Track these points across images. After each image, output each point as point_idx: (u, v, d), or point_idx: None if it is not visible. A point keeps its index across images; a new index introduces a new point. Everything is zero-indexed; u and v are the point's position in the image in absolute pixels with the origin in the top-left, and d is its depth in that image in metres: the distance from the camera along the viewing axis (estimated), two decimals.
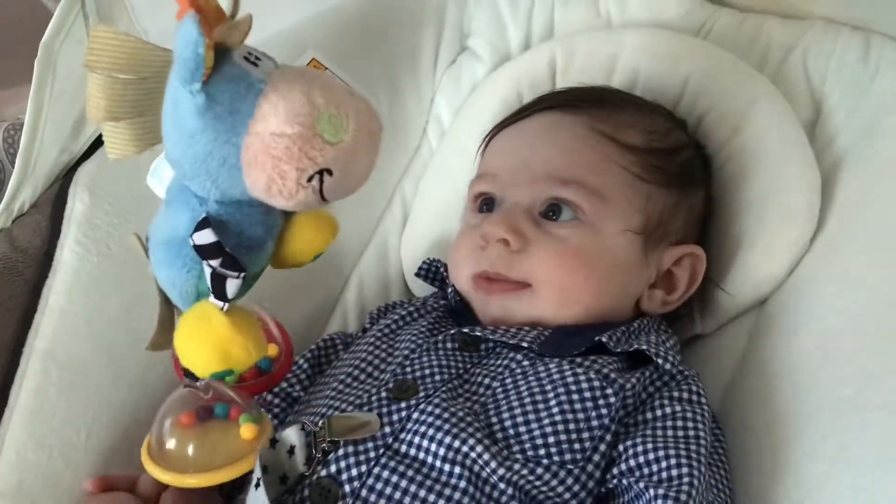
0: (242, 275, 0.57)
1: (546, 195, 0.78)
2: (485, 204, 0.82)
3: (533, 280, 0.76)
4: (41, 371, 0.73)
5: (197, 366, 0.59)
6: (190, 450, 0.61)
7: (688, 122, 0.88)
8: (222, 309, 0.58)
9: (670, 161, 0.82)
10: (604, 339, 0.71)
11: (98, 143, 0.86)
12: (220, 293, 0.57)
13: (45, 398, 0.72)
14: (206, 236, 0.56)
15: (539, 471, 0.63)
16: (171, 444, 0.62)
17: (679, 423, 0.67)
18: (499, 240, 0.76)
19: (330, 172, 0.54)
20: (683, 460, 0.64)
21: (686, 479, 0.63)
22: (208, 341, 0.58)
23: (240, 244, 0.58)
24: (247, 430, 0.61)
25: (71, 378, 0.74)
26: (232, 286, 0.57)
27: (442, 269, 0.86)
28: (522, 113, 0.87)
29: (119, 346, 0.77)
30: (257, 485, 0.59)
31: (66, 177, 0.83)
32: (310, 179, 0.54)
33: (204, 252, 0.56)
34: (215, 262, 0.56)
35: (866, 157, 0.82)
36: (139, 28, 0.86)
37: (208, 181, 0.56)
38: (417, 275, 0.89)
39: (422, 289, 0.93)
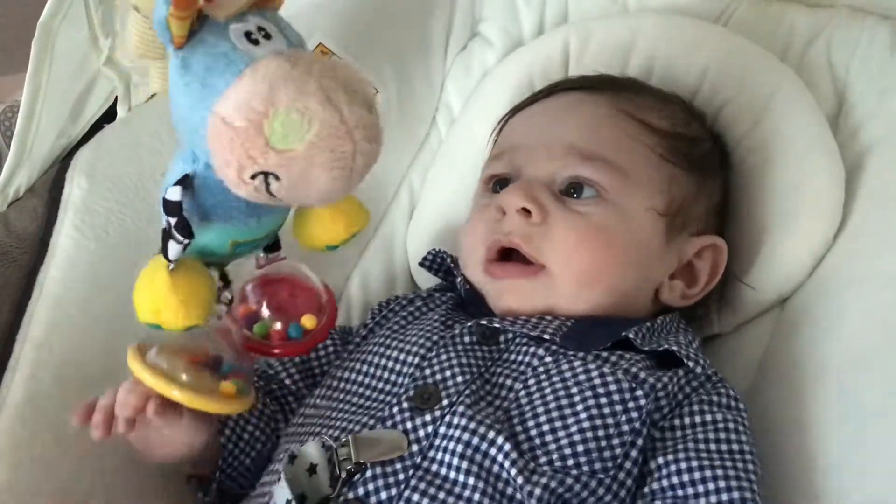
0: (186, 242, 0.56)
1: (567, 173, 0.75)
2: (498, 184, 0.79)
3: (550, 261, 0.72)
4: (35, 360, 0.72)
5: (136, 309, 0.59)
6: (183, 375, 0.61)
7: (707, 113, 0.86)
8: (169, 267, 0.57)
9: (692, 147, 0.80)
10: (630, 336, 0.69)
11: (97, 126, 0.84)
12: (164, 251, 0.57)
13: (39, 387, 0.71)
14: (175, 193, 0.55)
15: (569, 481, 0.61)
16: (166, 363, 0.62)
17: (722, 436, 0.64)
18: (518, 209, 0.72)
19: (276, 177, 0.51)
20: (733, 482, 0.61)
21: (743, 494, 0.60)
22: (146, 292, 0.58)
23: (215, 209, 0.57)
24: (226, 387, 0.62)
25: (65, 367, 0.72)
26: (174, 249, 0.56)
27: (448, 260, 0.83)
28: (539, 95, 0.85)
29: (115, 336, 0.74)
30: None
31: (63, 161, 0.81)
32: (253, 177, 0.51)
33: (166, 207, 0.56)
34: (172, 220, 0.56)
35: (891, 149, 0.79)
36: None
37: (189, 143, 0.55)
38: (422, 265, 0.85)
39: (428, 281, 0.90)
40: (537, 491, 0.59)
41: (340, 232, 0.66)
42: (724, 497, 0.60)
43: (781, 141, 0.82)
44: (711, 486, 0.60)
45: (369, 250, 0.94)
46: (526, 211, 0.72)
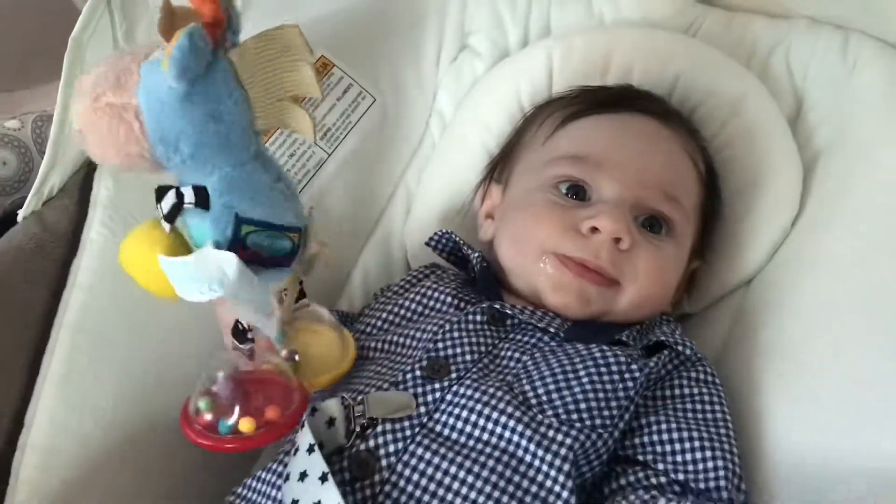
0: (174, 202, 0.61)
1: (653, 205, 0.81)
2: (572, 189, 0.83)
3: (625, 280, 0.79)
4: (71, 342, 0.78)
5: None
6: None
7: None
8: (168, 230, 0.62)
9: (711, 190, 0.89)
10: (623, 338, 0.77)
11: None
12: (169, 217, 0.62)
13: (75, 367, 0.78)
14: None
15: (573, 433, 0.68)
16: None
17: (699, 407, 0.73)
18: (615, 238, 0.78)
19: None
20: (715, 444, 0.69)
21: (721, 472, 0.68)
22: (128, 241, 0.65)
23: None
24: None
25: (97, 349, 0.79)
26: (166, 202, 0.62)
27: (458, 240, 0.89)
28: (604, 104, 0.89)
29: (141, 321, 0.82)
30: (310, 450, 0.64)
31: (90, 164, 0.88)
32: None
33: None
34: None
35: (843, 148, 0.87)
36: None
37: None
38: (428, 244, 0.91)
39: None
40: (546, 455, 0.66)
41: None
42: (698, 455, 0.68)
43: (746, 141, 0.91)
44: (688, 445, 0.69)
45: (370, 244, 1.01)
46: (618, 239, 0.78)
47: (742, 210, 0.89)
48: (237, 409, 0.65)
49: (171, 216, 0.62)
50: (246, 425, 0.64)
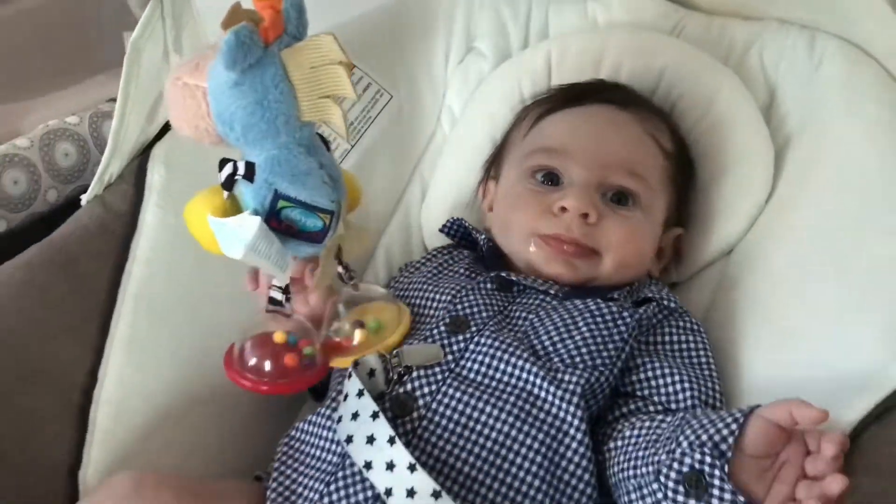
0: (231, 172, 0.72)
1: (617, 182, 0.92)
2: (547, 176, 0.94)
3: (602, 249, 0.90)
4: (133, 310, 0.89)
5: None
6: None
7: (664, 106, 1.04)
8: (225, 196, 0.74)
9: (681, 164, 0.99)
10: (616, 296, 0.88)
11: (168, 126, 1.02)
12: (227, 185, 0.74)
13: (137, 331, 0.88)
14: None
15: (578, 372, 0.79)
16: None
17: (686, 353, 0.84)
18: (581, 214, 0.89)
19: None
20: (700, 384, 0.80)
21: (708, 388, 0.80)
22: (192, 201, 0.75)
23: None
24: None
25: (156, 316, 0.90)
26: (224, 172, 0.73)
27: (468, 225, 1.01)
28: (574, 99, 1.00)
29: (194, 292, 0.93)
30: (360, 394, 0.75)
31: (143, 154, 0.99)
32: None
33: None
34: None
35: (810, 132, 0.98)
36: (202, 30, 1.02)
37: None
38: (441, 230, 1.03)
39: None
40: (555, 388, 0.77)
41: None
42: (687, 393, 0.79)
43: (724, 128, 1.01)
44: (678, 384, 0.80)
45: (391, 227, 1.12)
46: (585, 214, 0.90)
47: (721, 189, 0.99)
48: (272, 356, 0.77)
49: (227, 184, 0.73)
50: (289, 360, 0.76)
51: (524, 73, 1.12)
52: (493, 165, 1.07)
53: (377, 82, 1.12)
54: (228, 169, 0.73)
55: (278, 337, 0.77)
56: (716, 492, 0.63)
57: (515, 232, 0.94)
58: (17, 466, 0.78)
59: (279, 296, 0.77)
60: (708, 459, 0.64)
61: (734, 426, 0.64)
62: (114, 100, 1.04)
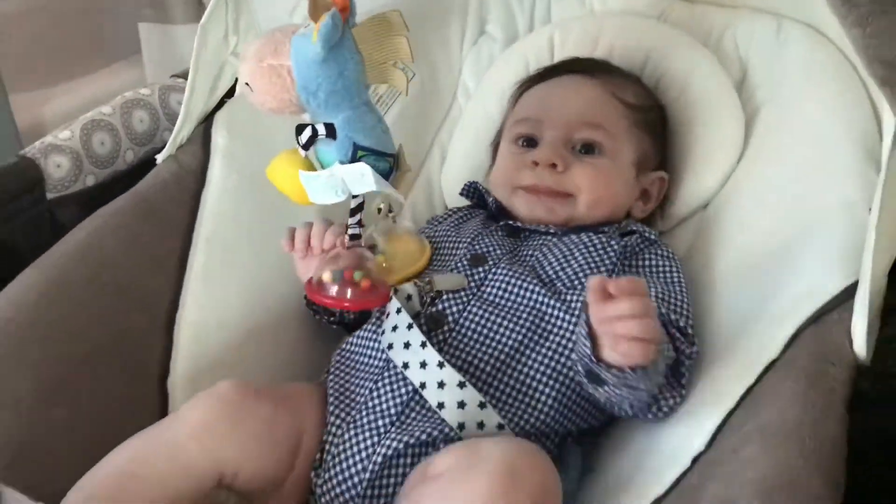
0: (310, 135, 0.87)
1: (581, 136, 1.08)
2: (525, 141, 1.12)
3: (574, 191, 1.07)
4: (206, 249, 1.06)
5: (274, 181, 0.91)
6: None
7: (650, 81, 1.21)
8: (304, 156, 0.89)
9: (649, 116, 1.15)
10: (605, 230, 1.05)
11: (227, 96, 1.19)
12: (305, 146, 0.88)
13: (210, 266, 1.06)
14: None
15: (577, 292, 0.96)
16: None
17: (660, 277, 1.00)
18: (549, 164, 1.06)
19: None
20: (675, 294, 0.96)
21: (678, 302, 0.95)
22: (275, 162, 0.90)
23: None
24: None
25: (225, 255, 1.07)
26: (305, 135, 0.87)
27: (481, 188, 1.18)
28: (547, 74, 1.19)
29: (254, 234, 1.10)
30: (398, 311, 0.93)
31: (207, 120, 1.16)
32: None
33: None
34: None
35: (775, 104, 1.14)
36: (255, 17, 1.18)
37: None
38: (461, 194, 1.20)
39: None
40: (559, 304, 0.94)
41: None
42: (662, 309, 0.94)
43: (702, 100, 1.17)
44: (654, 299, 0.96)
45: (415, 189, 1.29)
46: (553, 164, 1.07)
47: (699, 150, 1.16)
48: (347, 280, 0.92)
49: (307, 145, 0.89)
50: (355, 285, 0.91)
51: (530, 54, 1.29)
52: (497, 140, 1.24)
53: (402, 61, 1.29)
54: (308, 132, 0.88)
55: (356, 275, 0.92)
56: (606, 377, 0.82)
57: (504, 187, 1.12)
58: (119, 373, 0.95)
59: (357, 231, 0.93)
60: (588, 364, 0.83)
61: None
62: (177, 76, 1.22)
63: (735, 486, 0.71)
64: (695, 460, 0.80)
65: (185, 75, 1.24)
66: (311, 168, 0.90)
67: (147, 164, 1.15)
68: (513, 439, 0.83)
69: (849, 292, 0.83)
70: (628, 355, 0.79)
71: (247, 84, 0.87)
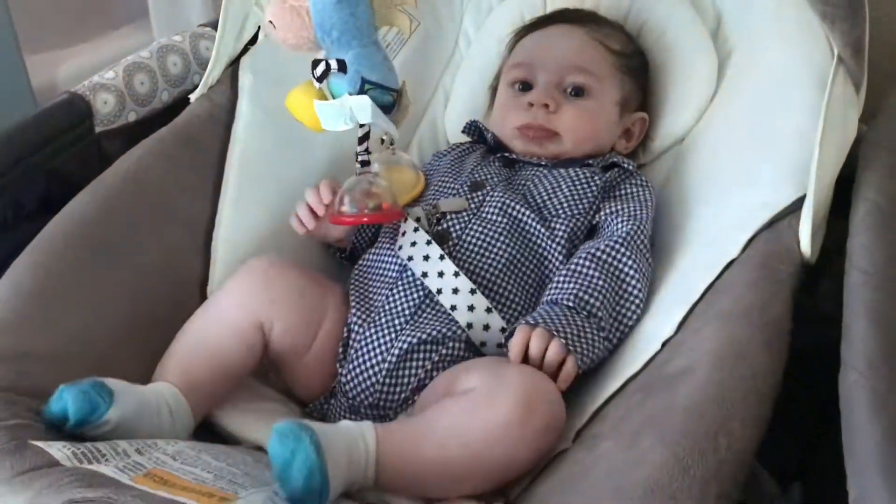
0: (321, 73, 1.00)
1: (570, 79, 1.21)
2: (521, 85, 1.25)
3: (562, 130, 1.20)
4: (237, 175, 1.21)
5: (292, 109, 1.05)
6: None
7: (631, 30, 1.34)
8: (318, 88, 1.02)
9: (632, 61, 1.28)
10: (590, 162, 1.18)
11: (251, 43, 1.32)
12: (319, 79, 1.01)
13: (241, 190, 1.20)
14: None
15: (562, 218, 1.09)
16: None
17: (633, 199, 1.13)
18: (542, 104, 1.20)
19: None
20: (640, 209, 1.10)
21: (640, 215, 1.09)
22: (292, 93, 1.04)
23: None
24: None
25: (254, 180, 1.21)
26: (319, 69, 1.00)
27: (481, 126, 1.30)
28: (539, 24, 1.32)
29: (278, 162, 1.23)
30: (416, 230, 1.07)
31: (234, 63, 1.29)
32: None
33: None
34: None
35: (745, 48, 1.26)
36: None
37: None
38: (463, 131, 1.32)
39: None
40: (544, 228, 1.08)
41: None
42: (635, 213, 1.09)
43: (679, 46, 1.30)
44: (629, 210, 1.09)
45: (420, 128, 1.43)
46: (546, 105, 1.20)
47: (677, 89, 1.29)
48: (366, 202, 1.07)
49: (321, 78, 1.02)
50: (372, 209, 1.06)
51: (525, 4, 1.42)
52: (495, 83, 1.37)
53: (408, 11, 1.41)
54: (322, 66, 1.01)
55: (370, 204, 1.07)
56: None
57: (503, 126, 1.25)
58: (167, 280, 1.09)
59: (366, 157, 1.07)
60: None
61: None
62: (204, 25, 1.35)
63: (694, 357, 0.85)
64: (664, 344, 0.94)
65: (212, 25, 1.37)
66: (324, 98, 1.03)
67: (180, 103, 1.28)
68: (531, 370, 0.94)
69: (798, 203, 0.97)
70: (566, 378, 0.93)
71: (270, 22, 0.99)
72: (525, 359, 0.94)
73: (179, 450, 0.85)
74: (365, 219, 1.05)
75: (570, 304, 0.99)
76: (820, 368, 0.85)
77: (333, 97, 1.03)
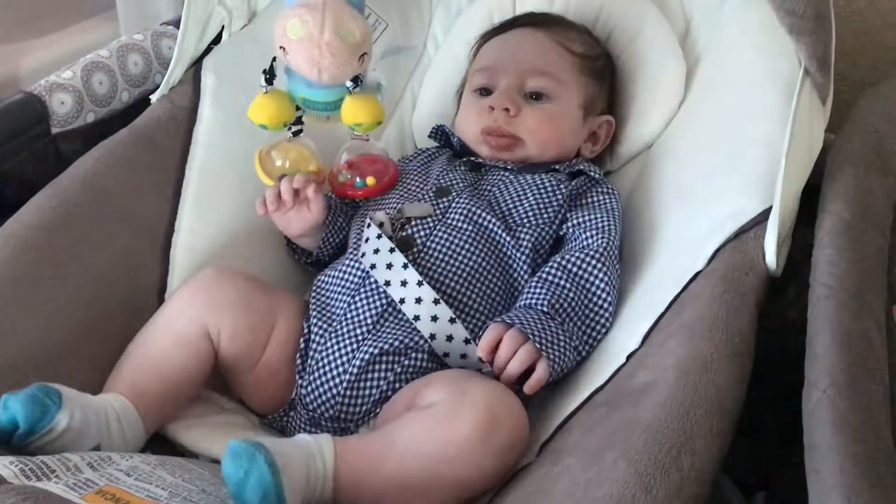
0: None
1: (531, 83, 1.20)
2: (483, 91, 1.23)
3: (524, 135, 1.19)
4: (197, 179, 1.18)
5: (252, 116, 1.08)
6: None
7: (601, 35, 1.33)
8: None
9: (596, 64, 1.27)
10: (557, 168, 1.17)
11: (214, 42, 1.29)
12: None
13: (201, 194, 1.17)
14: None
15: (527, 227, 1.08)
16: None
17: (599, 210, 1.12)
18: (503, 108, 1.18)
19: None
20: (609, 221, 1.09)
21: (610, 229, 1.08)
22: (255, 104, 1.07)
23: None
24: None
25: (214, 183, 1.18)
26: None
27: (447, 130, 1.29)
28: (503, 28, 1.31)
29: (240, 166, 1.20)
30: (378, 236, 1.05)
31: (197, 63, 1.26)
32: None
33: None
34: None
35: (713, 55, 1.26)
36: None
37: None
38: (430, 136, 1.31)
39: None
40: (509, 238, 1.06)
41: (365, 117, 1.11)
42: (604, 226, 1.08)
43: (648, 51, 1.29)
44: (598, 222, 1.08)
45: (388, 130, 1.41)
46: (507, 108, 1.18)
47: (645, 96, 1.28)
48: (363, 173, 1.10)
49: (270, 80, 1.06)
50: (370, 181, 1.10)
51: (494, 7, 1.40)
52: (461, 90, 1.35)
53: (376, 13, 1.40)
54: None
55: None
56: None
57: (466, 131, 1.23)
58: (123, 289, 1.06)
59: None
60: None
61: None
62: (167, 23, 1.32)
63: (658, 371, 0.85)
64: (629, 357, 0.93)
65: (174, 23, 1.34)
66: (287, 106, 1.07)
67: (140, 104, 1.25)
68: (495, 384, 0.93)
69: (765, 214, 0.97)
70: (536, 383, 0.93)
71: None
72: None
73: (134, 465, 0.83)
74: (360, 192, 1.12)
75: (545, 309, 0.99)
76: (785, 378, 0.85)
77: (293, 98, 1.06)
